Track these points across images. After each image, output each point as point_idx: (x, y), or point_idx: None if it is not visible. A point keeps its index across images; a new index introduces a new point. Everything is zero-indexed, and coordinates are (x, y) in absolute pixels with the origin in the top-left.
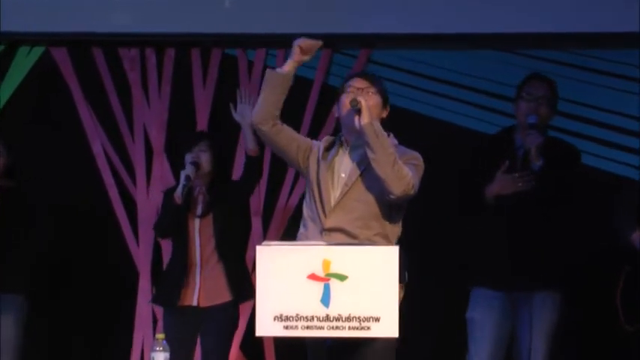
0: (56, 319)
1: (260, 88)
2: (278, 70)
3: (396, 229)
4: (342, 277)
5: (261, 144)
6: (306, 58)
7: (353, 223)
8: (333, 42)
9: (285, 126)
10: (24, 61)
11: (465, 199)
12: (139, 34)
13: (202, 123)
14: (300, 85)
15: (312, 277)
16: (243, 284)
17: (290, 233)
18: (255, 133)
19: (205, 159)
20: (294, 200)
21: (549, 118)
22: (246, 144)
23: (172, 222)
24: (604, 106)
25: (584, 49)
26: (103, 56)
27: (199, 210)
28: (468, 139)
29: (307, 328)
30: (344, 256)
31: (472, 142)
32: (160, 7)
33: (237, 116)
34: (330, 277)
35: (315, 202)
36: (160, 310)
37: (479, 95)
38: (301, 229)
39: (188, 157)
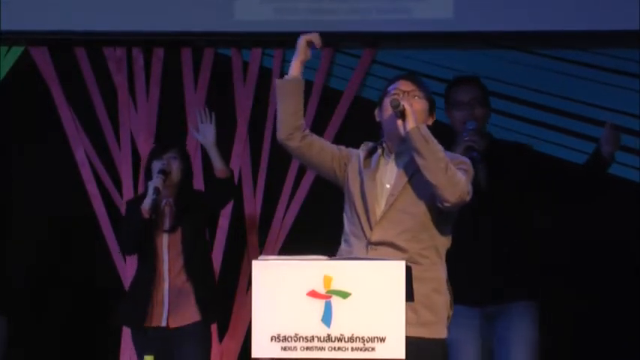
0: (38, 339)
1: (256, 91)
2: (286, 77)
3: (445, 241)
4: (344, 294)
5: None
6: (309, 55)
7: (401, 236)
8: (334, 40)
9: (314, 137)
10: (1, 63)
11: None
12: (125, 33)
13: None
14: None
15: (312, 294)
16: (212, 304)
17: (288, 247)
18: (221, 152)
19: (176, 167)
20: (291, 213)
21: (488, 117)
22: (214, 165)
23: (139, 238)
24: (602, 103)
25: (584, 47)
26: (87, 57)
27: (167, 224)
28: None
29: (307, 349)
30: (346, 272)
31: None
32: (148, 3)
33: (198, 137)
34: (331, 294)
35: (358, 215)
36: None
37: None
38: (343, 245)
39: (157, 165)
